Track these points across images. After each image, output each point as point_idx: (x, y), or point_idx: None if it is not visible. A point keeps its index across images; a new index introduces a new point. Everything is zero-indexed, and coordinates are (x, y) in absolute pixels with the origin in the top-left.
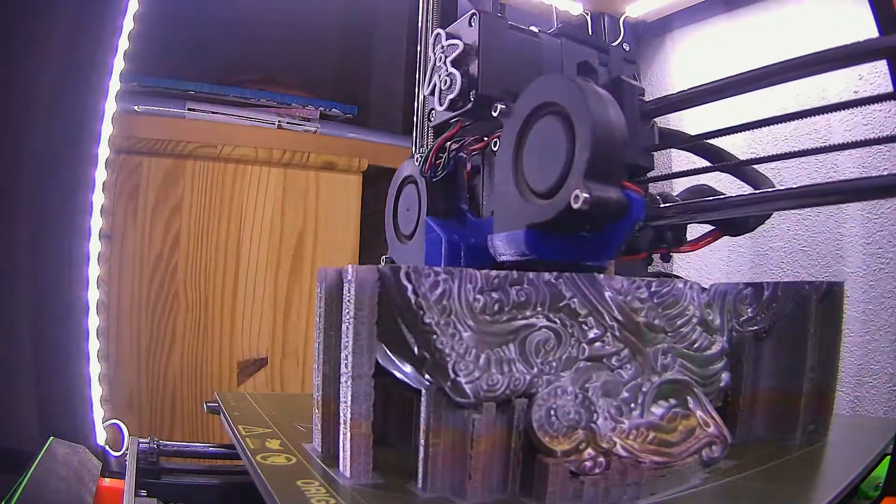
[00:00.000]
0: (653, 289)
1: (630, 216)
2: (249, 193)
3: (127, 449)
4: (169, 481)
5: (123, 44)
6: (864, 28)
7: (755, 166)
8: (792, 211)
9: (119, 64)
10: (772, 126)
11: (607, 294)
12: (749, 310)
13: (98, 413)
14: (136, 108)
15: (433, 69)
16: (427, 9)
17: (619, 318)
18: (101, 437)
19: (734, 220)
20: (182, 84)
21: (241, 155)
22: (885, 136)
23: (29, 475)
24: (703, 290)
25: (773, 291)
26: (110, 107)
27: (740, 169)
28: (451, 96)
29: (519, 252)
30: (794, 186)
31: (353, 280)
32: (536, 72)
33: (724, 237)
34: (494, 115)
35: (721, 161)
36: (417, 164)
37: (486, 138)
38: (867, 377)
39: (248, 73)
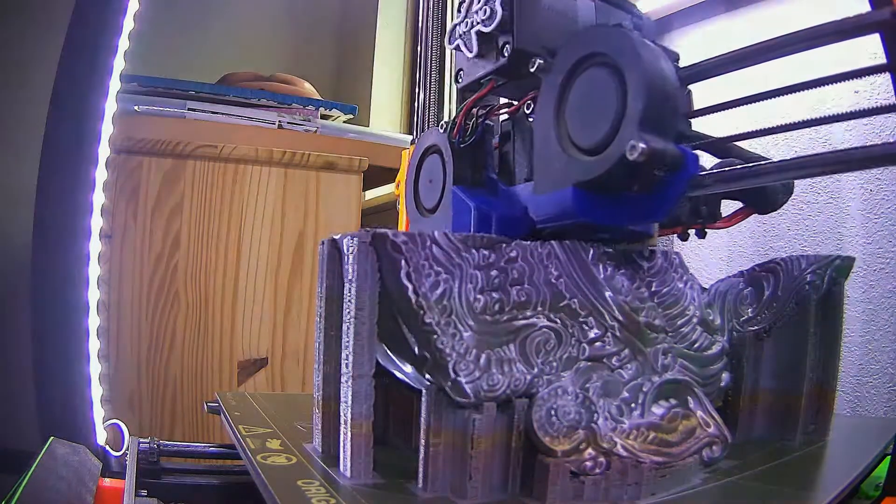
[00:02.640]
0: (653, 289)
1: (685, 171)
2: (250, 193)
3: (127, 449)
4: (169, 481)
5: (123, 44)
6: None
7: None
8: (792, 211)
9: (119, 64)
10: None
11: (608, 294)
12: (749, 310)
13: (98, 413)
14: (136, 108)
15: (464, 23)
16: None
17: (620, 318)
18: (101, 437)
19: (764, 196)
20: (182, 84)
21: (242, 155)
22: (883, 105)
23: (29, 475)
24: (704, 289)
25: (773, 291)
26: (110, 107)
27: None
28: (482, 53)
29: (563, 213)
30: (831, 150)
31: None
32: (572, 29)
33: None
34: (532, 70)
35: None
36: (443, 131)
37: (515, 103)
38: (867, 377)
39: (248, 73)
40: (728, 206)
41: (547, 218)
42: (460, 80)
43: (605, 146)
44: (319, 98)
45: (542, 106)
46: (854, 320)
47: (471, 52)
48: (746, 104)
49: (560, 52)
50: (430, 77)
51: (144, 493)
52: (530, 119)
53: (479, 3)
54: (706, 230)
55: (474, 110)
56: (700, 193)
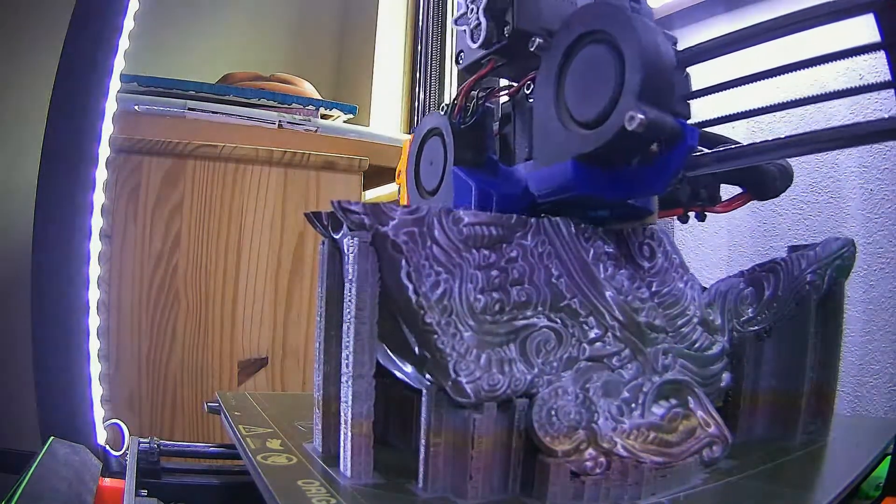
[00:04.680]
0: (654, 289)
1: (683, 144)
2: (250, 193)
3: (127, 449)
4: (169, 481)
5: (123, 43)
6: (863, 25)
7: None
8: (792, 211)
9: (119, 63)
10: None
11: (608, 294)
12: (750, 310)
13: (98, 413)
14: (136, 107)
15: (465, 6)
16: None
17: (620, 317)
18: (101, 436)
19: (762, 181)
20: (182, 84)
21: (242, 155)
22: (878, 82)
23: (29, 475)
24: (704, 289)
25: (773, 291)
26: (110, 106)
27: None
28: (481, 35)
29: (563, 186)
30: (830, 127)
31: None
32: (568, 10)
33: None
34: (532, 49)
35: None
36: (444, 113)
37: (514, 84)
38: (867, 377)
39: (248, 73)
40: (728, 193)
41: (547, 192)
42: (461, 61)
43: (604, 119)
44: (319, 98)
45: (541, 83)
46: (854, 320)
47: (473, 44)
48: (745, 84)
49: (559, 30)
50: (430, 77)
51: (144, 493)
52: (530, 100)
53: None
54: (706, 213)
55: (474, 92)
56: (698, 173)
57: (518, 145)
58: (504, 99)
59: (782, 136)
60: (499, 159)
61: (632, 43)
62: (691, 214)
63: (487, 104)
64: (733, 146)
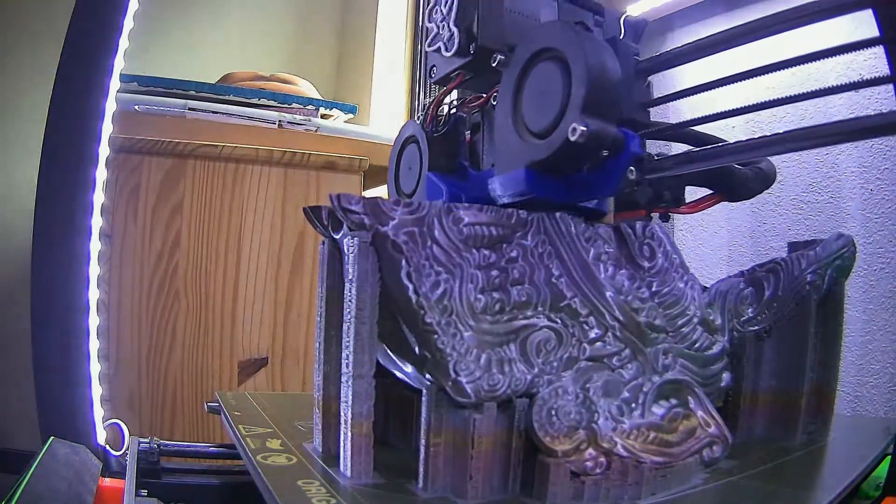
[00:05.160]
0: (654, 289)
1: (626, 151)
2: (250, 193)
3: (127, 449)
4: (169, 481)
5: (123, 43)
6: (863, 24)
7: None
8: (792, 210)
9: (119, 63)
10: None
11: (608, 294)
12: (750, 310)
13: (98, 413)
14: (136, 107)
15: (436, 25)
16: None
17: (620, 317)
18: (101, 436)
19: (733, 183)
20: (182, 84)
21: (242, 154)
22: (876, 77)
23: (29, 475)
24: (704, 289)
25: (773, 291)
26: (110, 106)
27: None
28: (452, 50)
29: (518, 191)
30: (792, 129)
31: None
32: (530, 28)
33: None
34: (493, 65)
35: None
36: (419, 121)
37: (484, 95)
38: (867, 377)
39: (248, 73)
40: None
41: (507, 196)
42: (433, 75)
43: (552, 129)
44: (319, 98)
45: (501, 96)
46: (854, 320)
47: (448, 51)
48: (741, 80)
49: (517, 47)
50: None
51: (144, 492)
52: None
53: (443, 26)
54: (669, 214)
55: (447, 103)
56: (655, 177)
57: (486, 152)
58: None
59: (744, 139)
60: (469, 165)
61: (578, 60)
62: (655, 216)
63: (460, 113)
64: (705, 147)
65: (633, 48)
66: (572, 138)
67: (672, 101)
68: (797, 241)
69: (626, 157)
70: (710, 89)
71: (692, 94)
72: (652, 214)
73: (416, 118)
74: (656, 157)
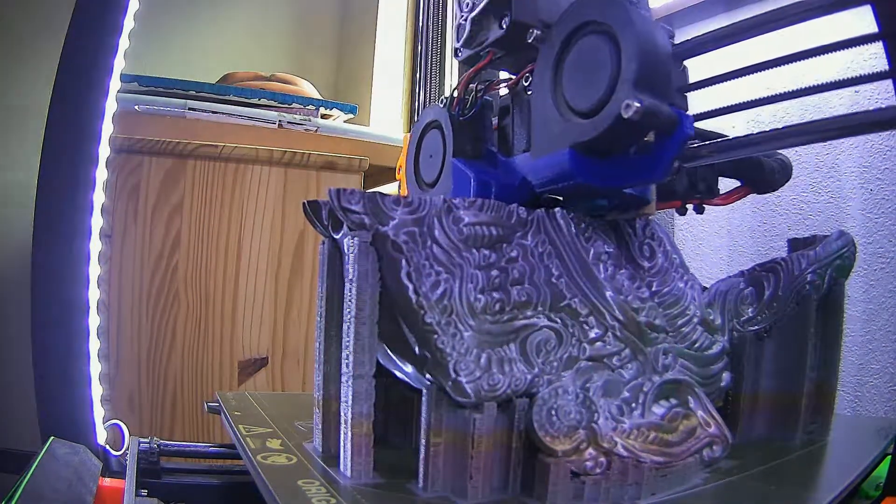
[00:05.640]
0: (654, 288)
1: (680, 132)
2: (250, 193)
3: (127, 449)
4: (169, 481)
5: (123, 43)
6: (862, 22)
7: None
8: (792, 211)
9: (119, 63)
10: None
11: (608, 294)
12: (750, 310)
13: (98, 413)
14: (136, 107)
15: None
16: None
17: (620, 317)
18: (101, 436)
19: (760, 174)
20: (182, 84)
21: (242, 154)
22: (877, 72)
23: (29, 475)
24: (704, 289)
25: (773, 291)
26: (110, 106)
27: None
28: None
29: (561, 175)
30: (823, 118)
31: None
32: (566, 4)
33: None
34: (529, 41)
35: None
36: (443, 106)
37: (513, 77)
38: (867, 377)
39: (248, 73)
40: (728, 187)
41: (545, 181)
42: (460, 54)
43: (601, 107)
44: (319, 98)
45: (539, 74)
46: (854, 320)
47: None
48: (742, 76)
49: (556, 22)
50: (430, 77)
51: (144, 492)
52: (528, 93)
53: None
54: (704, 206)
55: (473, 85)
56: (695, 164)
57: (517, 137)
58: (503, 92)
59: (780, 126)
60: (497, 151)
61: (628, 32)
62: (690, 207)
63: (486, 97)
64: (743, 135)
65: (669, 30)
66: (626, 115)
67: (707, 86)
68: (797, 237)
69: (678, 137)
70: (740, 76)
71: (725, 81)
72: (687, 206)
73: (440, 102)
74: (693, 145)
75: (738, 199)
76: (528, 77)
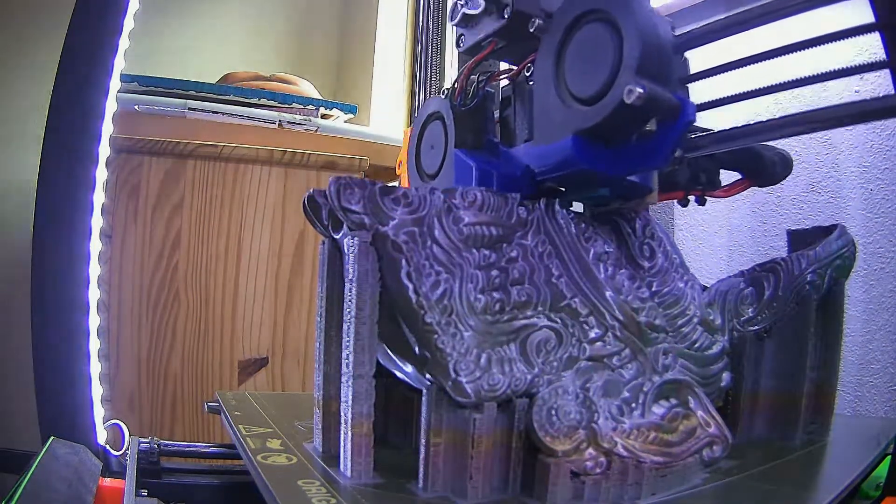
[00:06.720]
0: (654, 288)
1: (682, 117)
2: (250, 193)
3: (127, 449)
4: (169, 481)
5: (124, 43)
6: (862, 21)
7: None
8: (792, 210)
9: (119, 63)
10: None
11: (608, 294)
12: (750, 310)
13: (98, 413)
14: (136, 107)
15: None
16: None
17: (620, 317)
18: (101, 436)
19: (761, 167)
20: (182, 84)
21: (242, 154)
22: (874, 62)
23: (29, 475)
24: (704, 289)
25: (773, 291)
26: (111, 106)
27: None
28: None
29: (564, 163)
30: (824, 106)
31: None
32: None
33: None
34: (531, 30)
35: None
36: (444, 97)
37: (514, 68)
38: (867, 377)
39: (248, 73)
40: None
41: (548, 169)
42: (462, 44)
43: (603, 94)
44: (319, 98)
45: (541, 62)
46: (854, 320)
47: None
48: (741, 67)
49: (557, 10)
50: (430, 77)
51: (145, 492)
52: (530, 83)
53: None
54: (706, 197)
55: (474, 76)
56: (697, 154)
57: (518, 127)
58: (504, 82)
59: (778, 116)
60: (499, 142)
61: (630, 20)
62: (692, 198)
63: (487, 88)
64: (742, 125)
65: (670, 21)
66: (628, 101)
67: (709, 77)
68: (797, 228)
69: (681, 123)
70: (740, 67)
71: (726, 71)
72: (689, 197)
73: (441, 94)
74: (694, 136)
75: (739, 192)
76: (529, 67)
